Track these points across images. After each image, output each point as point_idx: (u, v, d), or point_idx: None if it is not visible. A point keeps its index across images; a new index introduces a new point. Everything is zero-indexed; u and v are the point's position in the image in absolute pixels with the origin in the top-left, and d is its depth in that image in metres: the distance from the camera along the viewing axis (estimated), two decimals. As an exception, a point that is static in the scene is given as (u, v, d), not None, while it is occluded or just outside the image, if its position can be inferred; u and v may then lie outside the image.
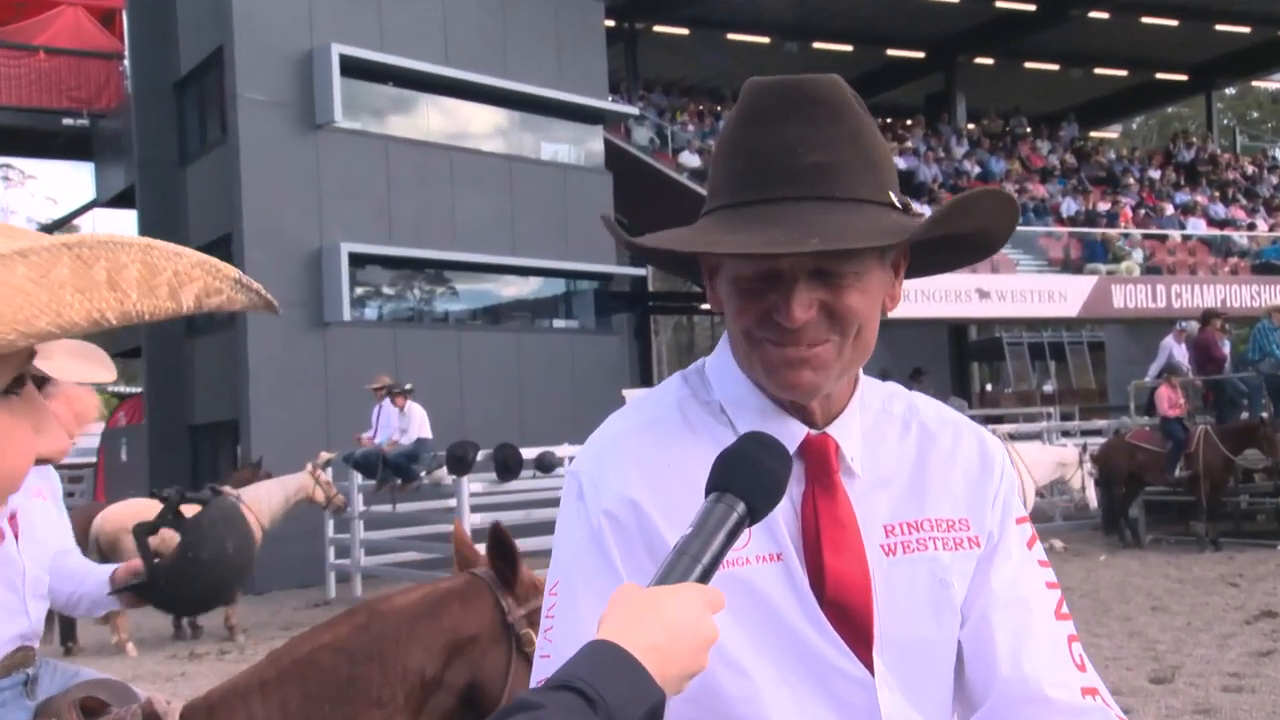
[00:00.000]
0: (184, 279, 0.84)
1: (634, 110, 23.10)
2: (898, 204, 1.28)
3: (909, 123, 28.31)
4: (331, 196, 16.77)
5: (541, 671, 1.27)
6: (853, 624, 1.27)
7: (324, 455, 12.67)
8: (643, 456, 1.31)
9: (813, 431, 1.33)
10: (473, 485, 12.75)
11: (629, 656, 0.99)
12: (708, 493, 1.14)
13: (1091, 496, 14.78)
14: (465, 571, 2.61)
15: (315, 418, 15.77)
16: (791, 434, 1.31)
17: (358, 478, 13.81)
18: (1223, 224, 26.86)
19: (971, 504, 1.37)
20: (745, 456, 1.16)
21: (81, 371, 2.51)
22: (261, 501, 11.46)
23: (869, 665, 1.27)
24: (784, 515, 1.27)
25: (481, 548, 2.67)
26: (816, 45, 27.88)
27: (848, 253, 1.21)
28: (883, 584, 1.30)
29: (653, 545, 1.26)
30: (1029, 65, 30.71)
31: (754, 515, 1.14)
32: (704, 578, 1.09)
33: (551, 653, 1.26)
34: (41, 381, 2.71)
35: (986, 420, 19.03)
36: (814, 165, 1.23)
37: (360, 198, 17.03)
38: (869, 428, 1.38)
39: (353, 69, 16.98)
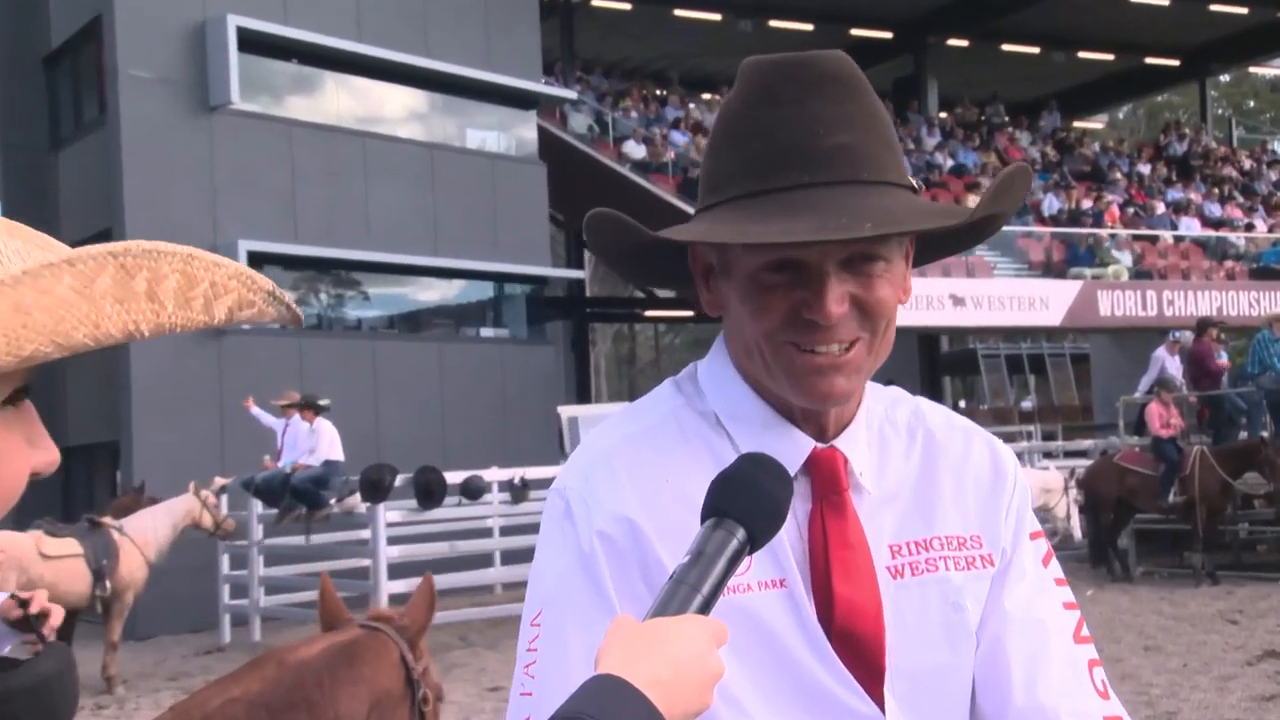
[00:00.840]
0: (219, 291, 0.89)
1: (571, 94, 23.12)
2: (915, 187, 1.32)
3: (875, 110, 28.55)
4: (227, 188, 16.59)
5: (522, 711, 1.26)
6: (862, 656, 1.29)
7: (219, 481, 12.54)
8: (637, 471, 1.32)
9: (819, 445, 1.34)
10: (390, 514, 12.63)
11: (637, 692, 1.00)
12: (704, 518, 1.16)
13: (1076, 525, 14.96)
14: (360, 625, 2.81)
15: (208, 439, 15.57)
16: (797, 448, 1.33)
17: (258, 506, 13.64)
18: (1218, 224, 27.40)
19: (984, 519, 1.40)
20: (742, 479, 1.17)
21: None
22: (148, 533, 11.33)
23: (879, 701, 1.28)
24: (788, 537, 1.28)
25: (399, 587, 2.82)
26: (773, 23, 28.10)
27: (883, 241, 1.25)
28: (891, 610, 1.31)
29: (647, 566, 1.27)
30: (1006, 48, 31.19)
31: (754, 542, 1.15)
32: (704, 608, 1.10)
33: (534, 690, 1.26)
34: None
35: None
36: (839, 147, 1.25)
37: (260, 190, 16.86)
38: (873, 437, 1.40)
39: (251, 43, 16.82)
